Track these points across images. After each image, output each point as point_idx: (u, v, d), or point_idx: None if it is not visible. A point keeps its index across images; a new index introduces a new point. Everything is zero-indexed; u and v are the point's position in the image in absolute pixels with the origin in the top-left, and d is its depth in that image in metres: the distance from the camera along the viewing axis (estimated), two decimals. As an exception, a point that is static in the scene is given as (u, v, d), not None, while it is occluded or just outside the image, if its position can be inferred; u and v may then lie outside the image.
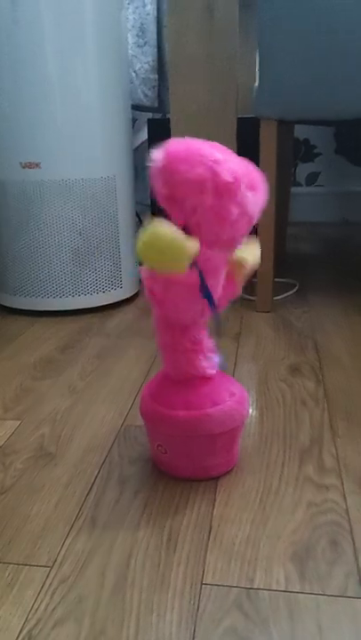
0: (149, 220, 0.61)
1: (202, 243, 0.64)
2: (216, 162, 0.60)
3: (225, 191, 0.60)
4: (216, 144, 0.62)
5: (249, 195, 0.62)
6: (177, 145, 0.61)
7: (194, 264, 0.64)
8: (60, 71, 1.22)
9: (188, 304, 0.66)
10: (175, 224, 0.63)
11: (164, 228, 0.60)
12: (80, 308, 1.36)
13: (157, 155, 0.61)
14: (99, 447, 0.81)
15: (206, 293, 0.65)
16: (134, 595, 0.56)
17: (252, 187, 0.62)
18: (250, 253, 0.72)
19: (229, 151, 0.62)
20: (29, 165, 1.26)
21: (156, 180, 0.62)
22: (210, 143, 0.62)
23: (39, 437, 0.84)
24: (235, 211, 0.61)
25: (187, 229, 0.63)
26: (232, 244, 0.65)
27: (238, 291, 0.73)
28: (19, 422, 0.88)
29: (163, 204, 0.63)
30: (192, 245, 0.61)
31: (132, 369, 1.06)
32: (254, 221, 0.64)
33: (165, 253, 0.61)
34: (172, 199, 0.62)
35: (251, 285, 1.53)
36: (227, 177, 0.59)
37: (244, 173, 0.61)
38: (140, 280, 1.52)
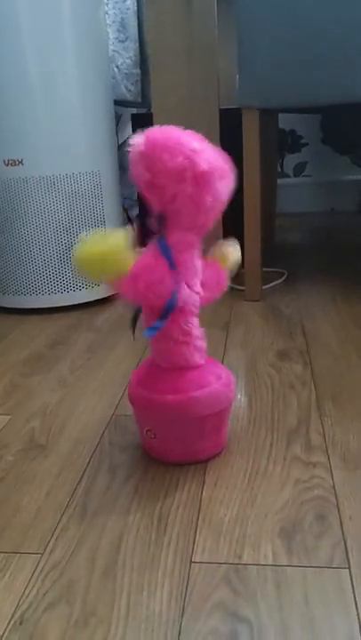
0: (81, 239, 0.64)
1: (179, 227, 0.66)
2: (194, 151, 0.62)
3: (202, 180, 0.62)
4: (192, 132, 0.64)
5: (221, 183, 0.64)
6: (157, 132, 0.63)
7: (158, 241, 0.66)
8: (39, 68, 1.22)
9: (161, 282, 0.66)
10: (153, 210, 0.65)
11: (88, 246, 0.64)
12: (69, 305, 1.37)
13: (138, 140, 0.63)
14: (89, 437, 0.82)
15: (170, 262, 0.67)
16: (125, 575, 0.57)
17: (222, 176, 0.64)
18: (231, 253, 0.76)
19: (204, 139, 0.64)
20: (12, 162, 1.26)
21: (137, 165, 0.63)
22: (187, 132, 0.64)
23: (29, 430, 0.85)
24: (209, 199, 0.64)
25: (164, 216, 0.66)
26: (205, 228, 0.68)
27: (224, 279, 0.75)
28: (9, 417, 0.89)
29: (142, 190, 0.65)
30: (120, 242, 0.64)
31: (121, 362, 1.07)
32: (223, 208, 0.67)
33: (103, 266, 0.65)
34: (153, 186, 0.64)
35: (239, 275, 1.54)
36: (204, 166, 0.62)
37: (218, 163, 0.63)
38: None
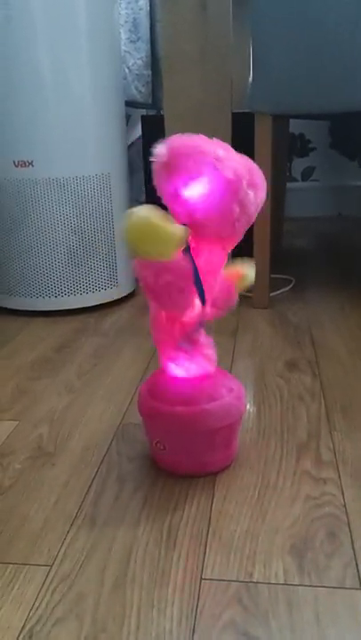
0: (134, 206, 0.62)
1: (204, 239, 0.65)
2: (218, 159, 0.60)
3: (227, 189, 0.61)
4: (217, 140, 0.62)
5: (250, 193, 0.62)
6: (179, 141, 0.61)
7: (186, 252, 0.64)
8: (52, 68, 1.22)
9: (180, 292, 0.65)
10: (178, 221, 0.64)
11: (150, 213, 0.59)
12: (76, 308, 1.36)
13: (161, 150, 0.61)
14: (97, 446, 0.82)
15: (198, 283, 0.65)
16: (135, 591, 0.56)
17: (253, 185, 0.62)
18: (246, 274, 0.74)
19: (230, 148, 0.63)
20: (22, 164, 1.26)
21: (160, 176, 0.62)
22: (211, 140, 0.62)
23: (37, 437, 0.84)
24: (236, 209, 0.62)
25: (189, 226, 0.64)
26: (232, 240, 0.66)
27: (234, 299, 0.73)
28: (16, 423, 0.88)
29: (166, 200, 0.64)
30: (180, 230, 0.61)
31: (129, 367, 1.06)
32: (253, 220, 0.65)
33: (153, 238, 0.60)
34: (177, 196, 0.62)
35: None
36: (229, 174, 0.60)
37: (246, 171, 0.62)
38: (136, 279, 1.52)
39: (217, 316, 0.73)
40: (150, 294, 0.68)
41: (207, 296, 0.67)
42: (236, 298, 0.74)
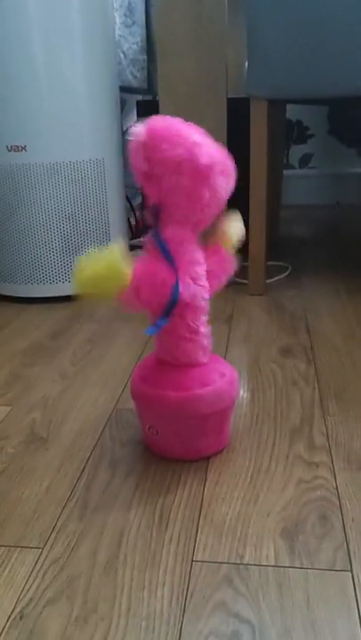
0: (80, 259, 0.63)
1: (172, 221, 0.66)
2: (195, 144, 0.61)
3: (200, 174, 0.62)
4: (194, 125, 0.64)
5: (221, 179, 0.63)
6: (158, 122, 0.62)
7: (154, 230, 0.66)
8: (45, 53, 1.21)
9: (164, 283, 0.66)
10: (149, 201, 0.65)
11: (83, 272, 0.62)
12: (70, 295, 1.36)
13: (139, 130, 0.62)
14: (90, 431, 0.82)
15: (165, 253, 0.66)
16: (126, 572, 0.57)
17: (224, 172, 0.64)
18: (233, 229, 0.74)
19: (206, 133, 0.64)
20: (15, 148, 1.25)
21: (137, 155, 0.63)
22: (189, 124, 0.63)
23: (30, 422, 0.84)
24: (207, 194, 0.63)
25: (159, 208, 0.65)
26: (201, 224, 0.67)
27: (230, 263, 0.74)
28: (9, 408, 0.88)
29: (140, 179, 0.65)
30: (115, 258, 0.62)
31: (123, 354, 1.06)
32: (223, 205, 0.66)
33: (96, 291, 0.63)
34: (150, 176, 0.63)
35: (243, 269, 1.53)
36: (203, 160, 0.61)
37: (219, 159, 0.63)
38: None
39: (220, 285, 0.73)
40: (150, 310, 0.68)
41: (195, 272, 0.67)
42: (231, 262, 0.74)
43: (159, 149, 0.61)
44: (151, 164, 0.62)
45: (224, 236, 0.74)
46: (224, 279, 0.74)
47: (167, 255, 0.65)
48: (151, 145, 0.61)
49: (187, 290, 0.67)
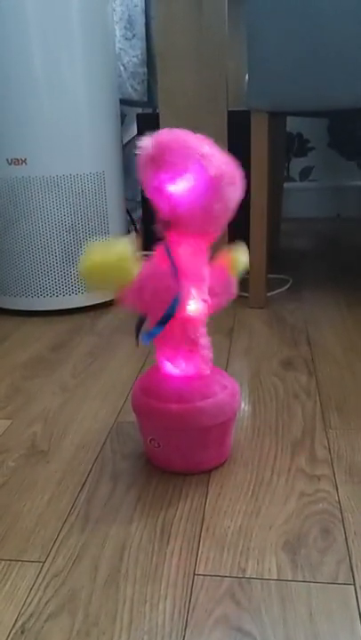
0: (89, 246, 0.63)
1: (185, 233, 0.66)
2: (203, 156, 0.61)
3: (210, 186, 0.61)
4: (202, 136, 0.63)
5: (230, 190, 0.63)
6: (166, 135, 0.62)
7: (163, 244, 0.66)
8: (46, 66, 1.22)
9: (167, 290, 0.66)
10: (160, 215, 0.65)
11: (93, 257, 0.63)
12: (71, 308, 1.36)
13: (146, 143, 0.61)
14: (91, 444, 0.81)
15: (174, 270, 0.66)
16: (127, 586, 0.56)
17: (233, 183, 0.64)
18: (240, 258, 0.74)
19: (213, 144, 0.63)
20: (16, 162, 1.25)
21: (145, 169, 0.63)
22: (197, 135, 0.63)
23: (31, 435, 0.84)
24: (216, 205, 0.63)
25: (170, 221, 0.65)
26: (213, 235, 0.67)
27: (233, 286, 0.74)
28: (10, 421, 0.88)
29: (149, 193, 0.64)
30: (125, 252, 0.63)
31: (124, 367, 1.06)
32: (232, 215, 0.66)
33: (104, 279, 0.64)
34: (160, 190, 0.63)
35: (244, 281, 1.54)
36: (213, 172, 0.61)
37: (228, 169, 0.63)
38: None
39: (218, 305, 0.73)
40: (147, 313, 0.68)
41: (194, 282, 0.67)
42: (234, 284, 0.74)
43: (168, 163, 0.61)
44: (160, 178, 0.62)
45: (232, 261, 0.73)
46: (224, 300, 0.74)
47: (174, 267, 0.65)
48: (159, 158, 0.61)
49: (187, 303, 0.67)
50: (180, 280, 0.66)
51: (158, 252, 0.67)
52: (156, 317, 0.68)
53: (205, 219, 0.64)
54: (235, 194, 0.64)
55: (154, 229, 0.67)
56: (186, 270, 0.66)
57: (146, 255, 0.67)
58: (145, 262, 0.66)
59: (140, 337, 0.70)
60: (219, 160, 0.62)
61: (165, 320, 0.67)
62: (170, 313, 0.66)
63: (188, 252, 0.67)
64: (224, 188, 0.62)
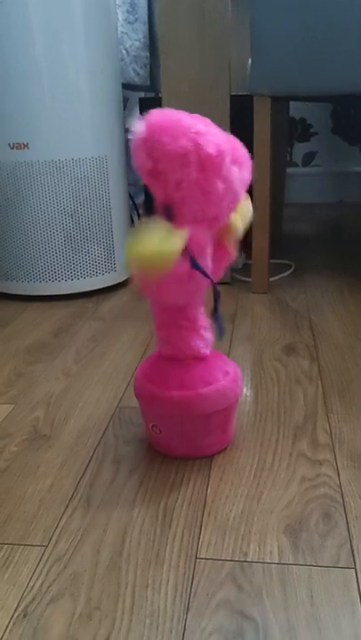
0: (134, 228, 0.61)
1: (186, 219, 0.63)
2: (198, 133, 0.58)
3: (209, 164, 0.58)
4: (198, 116, 0.60)
5: (234, 169, 0.60)
6: (158, 116, 0.59)
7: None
8: (48, 50, 1.21)
9: (182, 288, 0.65)
10: (158, 200, 0.63)
11: (146, 240, 0.59)
12: (73, 293, 1.36)
13: (139, 126, 0.59)
14: (93, 429, 0.82)
15: (200, 270, 0.64)
16: (129, 570, 0.57)
17: (237, 161, 0.60)
18: (240, 214, 0.68)
19: (212, 123, 0.61)
20: (18, 146, 1.25)
21: (138, 152, 0.60)
22: (192, 115, 0.60)
23: (33, 420, 0.84)
24: (220, 185, 0.60)
25: (170, 206, 0.62)
26: (217, 221, 0.64)
27: (232, 255, 0.71)
28: (12, 406, 0.88)
29: (145, 178, 0.62)
30: (178, 241, 0.60)
31: (126, 352, 1.06)
32: (239, 198, 0.63)
33: (156, 262, 0.60)
34: (156, 173, 0.60)
35: (246, 267, 1.53)
36: (210, 149, 0.58)
37: (229, 148, 0.60)
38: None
39: (219, 274, 0.70)
40: (153, 297, 0.67)
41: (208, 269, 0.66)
42: (229, 257, 0.70)
43: (161, 143, 0.58)
44: (155, 160, 0.59)
45: (228, 227, 0.68)
46: (221, 273, 0.71)
47: (191, 258, 0.63)
48: (152, 140, 0.58)
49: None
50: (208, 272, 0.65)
51: None
52: (161, 301, 0.67)
53: (208, 201, 0.61)
54: (240, 175, 0.61)
55: (156, 214, 0.64)
56: (202, 259, 0.64)
57: None
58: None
59: (216, 332, 0.69)
60: (217, 137, 0.59)
61: (217, 305, 0.67)
62: (217, 297, 0.66)
63: (199, 240, 0.63)
64: (226, 166, 0.59)
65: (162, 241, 0.59)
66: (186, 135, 0.58)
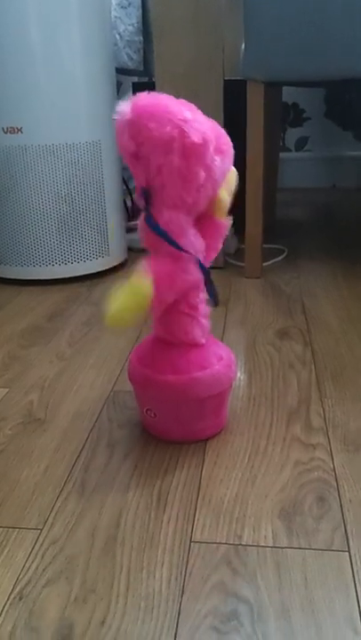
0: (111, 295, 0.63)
1: (165, 205, 0.63)
2: (184, 121, 0.58)
3: (192, 152, 0.58)
4: (185, 101, 0.60)
5: (217, 159, 0.60)
6: (145, 100, 0.59)
7: (148, 219, 0.64)
8: (41, 34, 1.19)
9: (174, 285, 0.65)
10: (137, 183, 0.62)
11: (114, 300, 0.62)
12: (67, 277, 1.36)
13: (124, 107, 0.58)
14: (88, 412, 0.82)
15: (170, 242, 0.64)
16: (124, 553, 0.57)
17: (220, 150, 0.61)
18: (226, 186, 0.68)
19: (198, 110, 0.60)
20: (11, 130, 1.24)
21: (122, 134, 0.59)
22: (179, 100, 0.60)
23: (28, 404, 0.84)
24: (202, 174, 0.60)
25: (149, 191, 0.62)
26: (196, 207, 0.64)
27: (225, 226, 0.70)
28: (6, 390, 0.88)
29: (127, 160, 0.62)
30: (145, 287, 0.62)
31: (120, 336, 1.06)
32: (219, 186, 0.63)
33: (135, 313, 0.63)
34: (138, 156, 0.60)
35: (240, 251, 1.53)
36: (195, 137, 0.58)
37: (214, 136, 0.60)
38: (127, 248, 1.51)
39: (213, 256, 0.71)
40: (166, 304, 0.67)
41: (197, 254, 0.66)
42: (223, 228, 0.70)
43: (146, 128, 0.57)
44: (138, 144, 0.59)
45: (216, 202, 0.68)
46: (220, 246, 0.71)
47: (169, 240, 0.63)
48: (137, 124, 0.58)
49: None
50: (185, 250, 0.64)
51: (151, 240, 0.65)
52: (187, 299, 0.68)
53: (189, 188, 0.61)
54: (222, 163, 0.61)
55: (136, 200, 0.64)
56: (184, 245, 0.65)
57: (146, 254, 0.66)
58: (152, 264, 0.64)
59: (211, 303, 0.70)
60: (202, 126, 0.59)
61: (208, 285, 0.67)
62: (208, 277, 0.66)
63: (177, 224, 0.64)
64: (208, 154, 0.59)
65: (129, 294, 0.62)
66: (172, 122, 0.57)
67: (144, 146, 0.59)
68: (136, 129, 0.58)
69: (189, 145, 0.58)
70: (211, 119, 0.61)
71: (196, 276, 0.67)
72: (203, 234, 0.68)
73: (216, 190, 0.64)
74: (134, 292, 0.62)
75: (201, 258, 0.67)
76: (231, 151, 0.63)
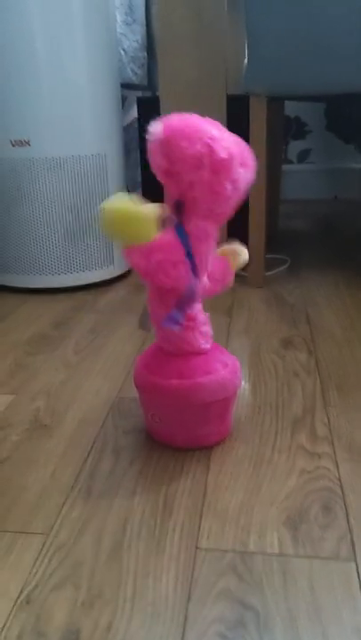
0: (110, 197, 0.64)
1: (196, 215, 0.66)
2: (212, 139, 0.61)
3: (220, 168, 0.62)
4: (211, 120, 0.64)
5: (241, 171, 0.64)
6: (176, 120, 0.62)
7: (178, 227, 0.66)
8: (48, 50, 1.21)
9: (174, 266, 0.66)
10: (170, 196, 0.65)
11: (120, 203, 0.63)
12: (73, 286, 1.36)
13: (157, 128, 0.62)
14: (93, 419, 0.82)
15: (189, 255, 0.66)
16: (130, 559, 0.57)
17: (243, 164, 0.64)
18: (243, 249, 0.75)
19: (223, 127, 0.64)
20: (19, 143, 1.25)
21: (155, 153, 0.63)
22: (206, 119, 0.64)
23: (34, 410, 0.85)
24: (229, 187, 0.64)
25: (182, 203, 0.65)
26: (223, 216, 0.68)
27: (231, 274, 0.75)
28: (13, 396, 0.88)
29: (160, 177, 0.65)
30: (152, 212, 0.64)
31: (125, 343, 1.07)
32: (243, 197, 0.67)
33: (127, 225, 0.64)
34: (171, 173, 0.64)
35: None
36: (222, 154, 0.61)
37: (238, 151, 0.63)
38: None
39: (215, 291, 0.74)
40: (145, 277, 0.68)
41: (201, 268, 0.68)
42: (232, 273, 0.75)
43: (178, 147, 0.61)
44: (171, 162, 0.62)
45: (233, 254, 0.75)
46: (220, 288, 0.75)
47: (188, 250, 0.66)
48: (170, 143, 0.61)
49: (198, 286, 0.68)
50: (195, 264, 0.66)
51: (171, 231, 0.67)
52: (157, 288, 0.69)
53: (216, 201, 0.65)
54: (245, 175, 0.65)
55: (167, 211, 0.67)
56: (197, 254, 0.67)
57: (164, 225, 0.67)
58: (163, 233, 0.66)
59: (164, 321, 0.70)
60: (228, 142, 0.63)
61: (184, 305, 0.68)
62: (188, 297, 0.67)
63: (200, 234, 0.67)
64: (235, 169, 0.63)
65: (136, 206, 0.63)
66: (202, 140, 0.61)
67: (176, 163, 0.62)
68: (168, 148, 0.62)
69: (218, 161, 0.61)
70: (234, 135, 0.64)
71: (185, 283, 0.68)
72: (213, 265, 0.72)
73: (241, 200, 0.67)
74: (145, 208, 0.63)
75: (200, 279, 0.69)
76: (253, 164, 0.66)
